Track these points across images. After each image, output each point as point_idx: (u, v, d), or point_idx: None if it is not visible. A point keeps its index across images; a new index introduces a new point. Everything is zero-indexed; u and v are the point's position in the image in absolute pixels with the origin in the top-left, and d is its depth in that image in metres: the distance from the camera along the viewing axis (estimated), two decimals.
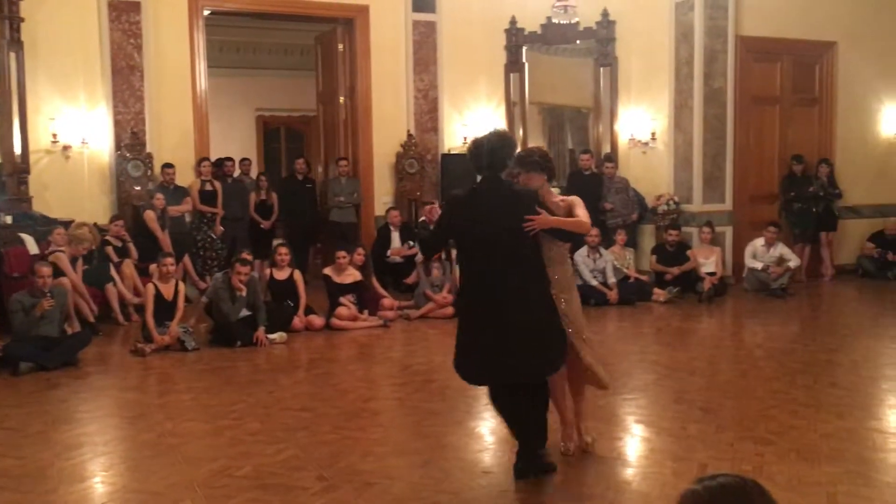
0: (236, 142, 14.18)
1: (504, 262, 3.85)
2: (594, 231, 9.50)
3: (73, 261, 7.96)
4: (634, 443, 4.65)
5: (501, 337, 3.82)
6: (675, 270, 9.71)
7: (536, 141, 11.63)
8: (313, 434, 4.73)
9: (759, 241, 9.92)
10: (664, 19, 10.59)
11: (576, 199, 4.32)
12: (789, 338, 7.76)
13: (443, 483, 3.94)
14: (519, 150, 4.35)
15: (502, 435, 4.69)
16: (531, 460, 3.95)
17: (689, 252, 9.90)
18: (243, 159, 11.57)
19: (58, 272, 7.44)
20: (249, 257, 8.22)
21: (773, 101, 10.98)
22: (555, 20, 10.75)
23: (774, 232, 9.87)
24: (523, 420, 3.98)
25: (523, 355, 3.84)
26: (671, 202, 10.45)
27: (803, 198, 10.83)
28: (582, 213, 4.21)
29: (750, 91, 10.73)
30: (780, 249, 9.86)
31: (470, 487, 3.94)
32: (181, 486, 3.92)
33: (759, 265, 9.79)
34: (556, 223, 4.00)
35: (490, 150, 3.98)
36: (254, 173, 11.79)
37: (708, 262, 9.88)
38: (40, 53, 9.15)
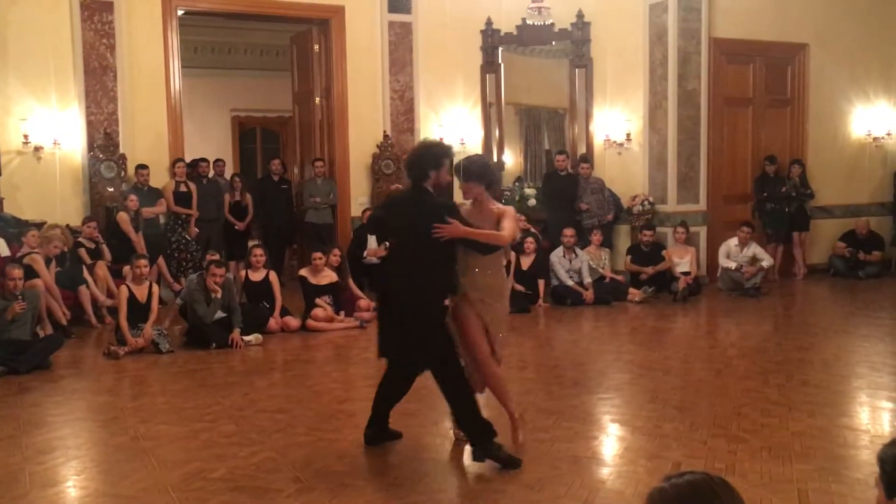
0: (211, 142, 14.09)
1: (411, 263, 4.27)
2: (570, 231, 9.57)
3: (47, 262, 7.88)
4: (609, 442, 4.68)
5: (395, 325, 4.32)
6: (650, 270, 9.78)
7: (512, 142, 11.68)
8: (288, 436, 4.72)
9: (733, 241, 10.02)
10: (638, 21, 10.67)
11: (507, 210, 4.43)
12: (762, 337, 7.85)
13: (418, 484, 3.94)
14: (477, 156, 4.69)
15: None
16: (382, 429, 4.53)
17: (663, 252, 9.98)
18: (217, 160, 11.51)
19: (31, 274, 7.35)
20: (218, 258, 8.16)
21: (745, 102, 11.10)
22: (530, 21, 10.79)
23: (748, 232, 9.97)
24: (387, 399, 4.53)
25: (405, 344, 4.29)
26: (646, 202, 10.52)
27: (776, 198, 10.95)
28: (508, 224, 4.33)
29: (723, 92, 10.83)
30: (754, 249, 9.96)
31: (444, 489, 3.95)
32: (155, 489, 3.89)
33: (732, 265, 9.88)
34: (467, 234, 4.21)
35: (411, 160, 4.41)
36: (228, 174, 11.72)
37: (682, 261, 9.96)
38: (11, 53, 9.05)
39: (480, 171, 4.45)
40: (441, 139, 9.72)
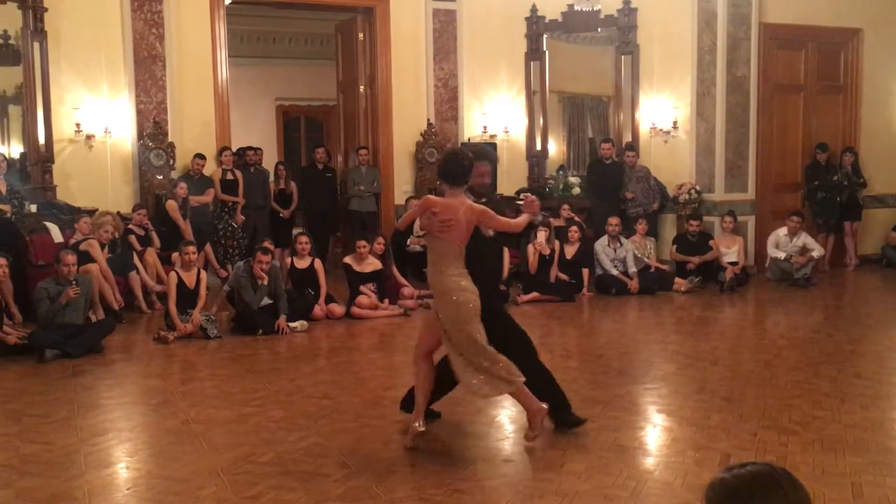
0: (256, 131, 14.23)
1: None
2: (615, 220, 9.47)
3: (101, 248, 8.04)
4: (656, 432, 4.63)
5: None
6: (696, 260, 9.64)
7: (555, 130, 11.59)
8: (335, 422, 4.76)
9: (782, 231, 9.83)
10: (686, 6, 10.48)
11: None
12: (812, 328, 7.70)
13: (464, 471, 3.95)
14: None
15: (523, 423, 4.70)
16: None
17: (710, 242, 9.83)
18: (256, 148, 11.57)
19: (84, 260, 7.51)
20: (271, 246, 8.25)
21: (796, 88, 10.86)
22: (577, 7, 10.67)
23: (798, 221, 9.78)
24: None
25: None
26: (693, 191, 10.37)
27: (827, 187, 10.72)
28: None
29: (773, 79, 10.61)
30: (804, 239, 9.76)
31: (491, 476, 3.95)
32: (205, 472, 3.95)
33: (781, 255, 9.70)
34: None
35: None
36: (265, 162, 11.77)
37: (730, 251, 9.81)
38: (63, 43, 9.21)
39: (440, 168, 4.42)
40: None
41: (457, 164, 4.24)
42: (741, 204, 10.31)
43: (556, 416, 4.50)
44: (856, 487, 3.70)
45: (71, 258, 6.82)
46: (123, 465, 4.14)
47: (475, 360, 4.11)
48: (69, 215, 8.66)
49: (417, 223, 4.32)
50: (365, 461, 4.08)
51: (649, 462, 4.13)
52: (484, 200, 4.38)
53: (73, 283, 6.71)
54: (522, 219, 4.37)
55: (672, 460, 4.11)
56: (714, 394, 5.25)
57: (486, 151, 4.73)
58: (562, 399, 4.56)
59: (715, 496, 1.61)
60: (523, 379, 4.18)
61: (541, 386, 4.39)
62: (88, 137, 9.37)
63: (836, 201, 10.76)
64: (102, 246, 8.12)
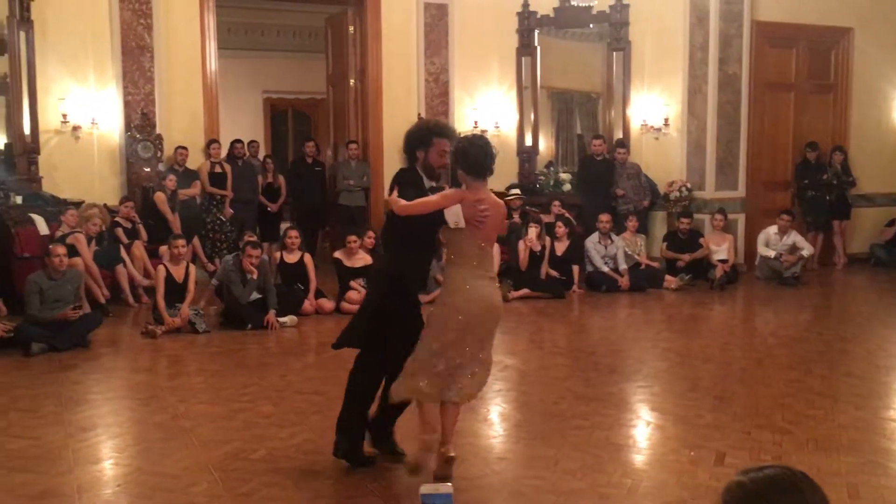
0: (243, 124, 14.13)
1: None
2: (606, 217, 9.46)
3: (87, 241, 7.94)
4: (650, 430, 4.61)
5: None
6: (687, 257, 9.64)
7: (545, 126, 11.56)
8: (326, 418, 4.69)
9: (773, 229, 9.85)
10: (679, 3, 10.45)
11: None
12: (803, 326, 7.71)
13: (458, 469, 3.90)
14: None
15: (515, 421, 4.69)
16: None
17: (701, 239, 9.83)
18: (251, 142, 11.53)
19: (72, 253, 7.41)
20: (255, 239, 8.19)
21: (787, 87, 10.88)
22: (572, 2, 10.64)
23: (788, 220, 9.79)
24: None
25: None
26: (683, 189, 10.36)
27: (817, 185, 10.74)
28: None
29: (764, 77, 10.62)
30: (794, 237, 9.78)
31: (485, 474, 3.91)
32: (196, 468, 3.90)
33: (771, 253, 9.72)
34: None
35: (404, 138, 3.99)
36: (261, 156, 11.73)
37: (720, 249, 9.81)
38: (50, 32, 9.08)
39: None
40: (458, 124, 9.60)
41: (483, 153, 3.75)
42: (731, 202, 10.32)
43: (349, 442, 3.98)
44: (851, 487, 3.69)
45: (61, 249, 6.74)
46: (112, 461, 4.08)
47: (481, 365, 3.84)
48: (55, 207, 8.56)
49: (453, 212, 3.72)
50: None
51: (643, 460, 4.11)
52: (433, 185, 3.96)
53: (75, 306, 6.60)
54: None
55: (666, 459, 4.09)
56: (706, 392, 5.24)
57: (446, 127, 4.12)
58: (361, 431, 4.03)
59: (732, 499, 1.58)
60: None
61: (367, 400, 4.00)
62: (75, 128, 9.25)
63: (826, 200, 10.79)
64: (89, 239, 8.03)
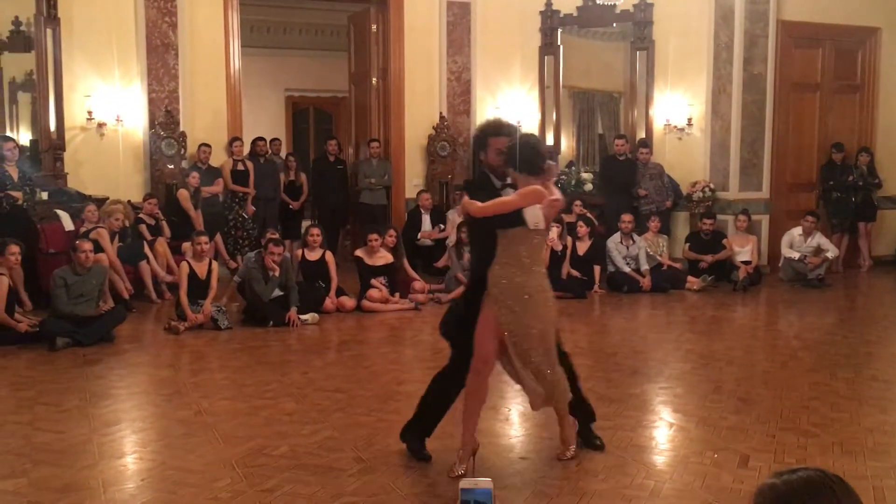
0: (265, 122, 14.19)
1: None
2: (628, 217, 9.41)
3: (110, 237, 8.01)
4: (673, 432, 4.57)
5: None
6: (709, 258, 9.57)
7: (566, 125, 11.52)
8: (348, 415, 4.72)
9: (797, 231, 9.75)
10: (704, 2, 10.38)
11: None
12: (827, 329, 7.63)
13: (480, 468, 3.90)
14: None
15: (537, 420, 4.66)
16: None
17: (724, 240, 9.75)
18: (273, 139, 11.57)
19: (96, 249, 7.48)
20: (277, 236, 8.22)
21: (813, 87, 10.77)
22: (596, 1, 10.59)
23: (813, 221, 9.70)
24: None
25: None
26: (706, 189, 10.29)
27: (842, 187, 10.63)
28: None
29: (790, 77, 10.52)
30: (818, 239, 9.69)
31: (507, 473, 3.90)
32: (219, 464, 3.91)
33: (795, 255, 9.63)
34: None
35: None
36: (283, 154, 11.78)
37: (743, 250, 9.73)
38: (76, 30, 9.17)
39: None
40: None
41: (536, 151, 3.78)
42: (755, 203, 10.24)
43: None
44: (878, 491, 3.64)
45: (87, 245, 6.81)
46: (136, 456, 4.11)
47: (541, 365, 3.86)
48: (80, 203, 8.63)
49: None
50: (380, 456, 4.05)
51: (666, 462, 4.08)
52: (506, 185, 3.96)
53: (89, 270, 6.67)
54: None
55: (690, 461, 4.05)
56: (730, 394, 5.20)
57: (502, 126, 4.11)
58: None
59: (764, 502, 1.56)
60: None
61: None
62: (100, 125, 9.33)
63: (851, 201, 10.67)
64: (113, 235, 8.10)
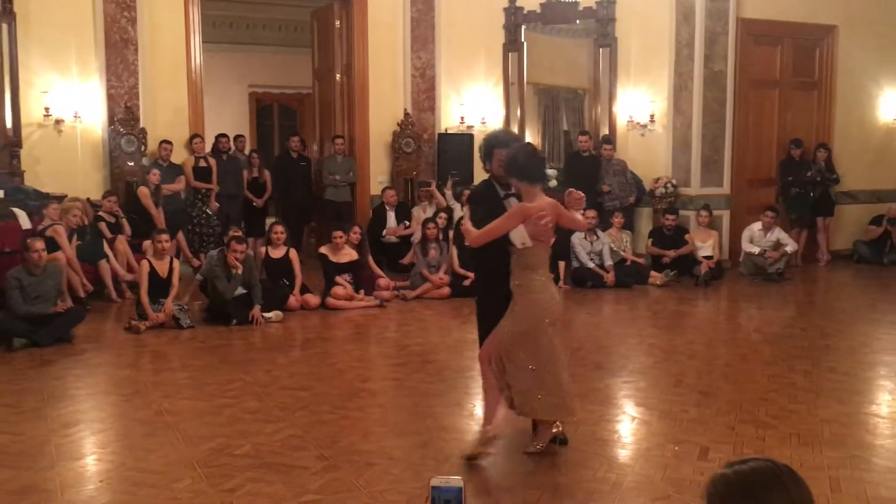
0: (228, 119, 14.01)
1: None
2: (591, 213, 9.46)
3: (68, 235, 7.87)
4: (635, 426, 4.63)
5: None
6: (672, 254, 9.68)
7: (531, 122, 11.55)
8: (312, 413, 4.70)
9: (757, 226, 9.90)
10: (665, 0, 10.48)
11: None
12: (786, 322, 7.76)
13: (443, 464, 3.91)
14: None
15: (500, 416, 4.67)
16: None
17: (686, 236, 9.87)
18: (237, 136, 11.44)
19: (53, 248, 7.35)
20: (240, 234, 8.14)
21: (772, 84, 10.92)
22: None
23: (772, 216, 9.84)
24: None
25: None
26: (669, 185, 10.39)
27: (801, 182, 10.80)
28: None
29: (750, 74, 10.65)
30: (778, 234, 9.83)
31: (470, 468, 3.91)
32: (180, 464, 3.87)
33: (755, 249, 9.77)
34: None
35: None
36: (247, 150, 11.66)
37: (705, 245, 9.86)
38: (32, 25, 8.98)
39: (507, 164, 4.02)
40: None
41: (536, 160, 4.01)
42: (716, 198, 10.36)
43: None
44: (833, 481, 3.72)
45: (39, 244, 6.66)
46: (95, 457, 4.05)
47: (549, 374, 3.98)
48: (37, 201, 8.47)
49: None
50: (343, 454, 4.03)
51: (628, 455, 4.12)
52: (508, 194, 4.17)
53: (43, 271, 6.54)
54: (581, 217, 4.36)
55: (651, 453, 4.11)
56: (691, 387, 5.27)
57: (506, 137, 4.47)
58: None
59: (717, 492, 1.59)
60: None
61: None
62: (58, 122, 9.16)
63: (810, 197, 10.85)
64: (72, 233, 7.96)
